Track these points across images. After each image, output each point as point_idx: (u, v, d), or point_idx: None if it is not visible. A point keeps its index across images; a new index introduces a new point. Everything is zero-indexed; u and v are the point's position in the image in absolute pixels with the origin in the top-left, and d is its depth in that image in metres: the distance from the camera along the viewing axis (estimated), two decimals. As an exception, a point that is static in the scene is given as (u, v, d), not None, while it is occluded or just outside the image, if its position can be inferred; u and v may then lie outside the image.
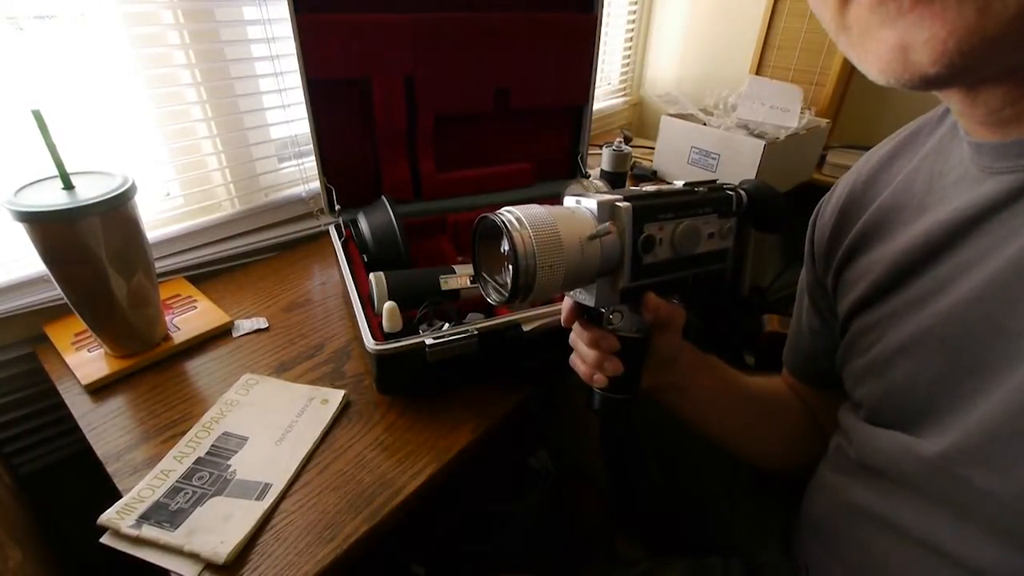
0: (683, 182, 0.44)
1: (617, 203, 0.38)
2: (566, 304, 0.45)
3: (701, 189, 0.43)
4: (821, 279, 0.48)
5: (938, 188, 0.37)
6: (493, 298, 0.39)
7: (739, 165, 1.15)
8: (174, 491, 0.52)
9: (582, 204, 0.40)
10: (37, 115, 0.54)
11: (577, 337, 0.46)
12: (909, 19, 0.24)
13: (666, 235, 0.40)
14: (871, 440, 0.40)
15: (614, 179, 1.06)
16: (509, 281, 0.36)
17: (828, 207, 0.47)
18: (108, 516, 0.49)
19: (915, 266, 0.37)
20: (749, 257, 1.56)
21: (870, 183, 0.43)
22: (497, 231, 0.36)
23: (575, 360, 0.47)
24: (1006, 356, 0.30)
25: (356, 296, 0.65)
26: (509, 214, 0.36)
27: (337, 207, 0.82)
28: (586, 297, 0.42)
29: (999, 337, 0.31)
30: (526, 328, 0.62)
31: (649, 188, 0.41)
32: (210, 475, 0.54)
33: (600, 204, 0.38)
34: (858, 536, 0.41)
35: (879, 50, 0.26)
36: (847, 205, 0.45)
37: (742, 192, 0.44)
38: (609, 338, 0.43)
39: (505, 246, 0.36)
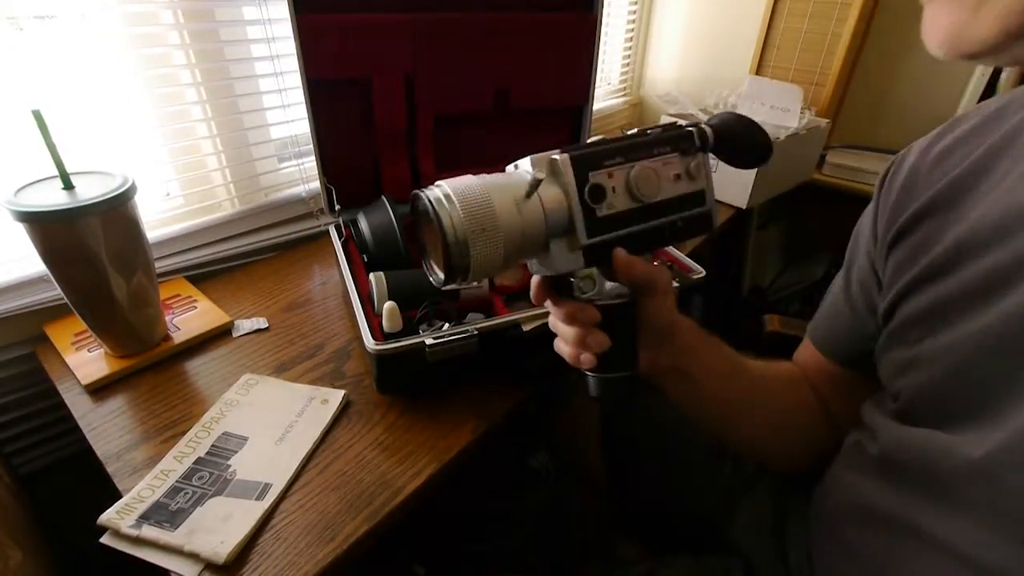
0: (635, 129, 0.40)
1: (552, 156, 0.35)
2: (533, 280, 0.40)
3: (655, 131, 0.39)
4: (878, 249, 0.43)
5: (1016, 156, 0.33)
6: (434, 279, 0.37)
7: (739, 165, 1.15)
8: (174, 491, 0.52)
9: (519, 167, 0.37)
10: (37, 115, 0.54)
11: (554, 317, 0.42)
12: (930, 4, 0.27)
13: (618, 183, 0.36)
14: (903, 438, 0.38)
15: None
16: (442, 264, 0.33)
17: (904, 165, 0.42)
18: (108, 516, 0.49)
19: (981, 248, 0.33)
20: (749, 257, 1.56)
21: (945, 154, 0.39)
22: (425, 209, 0.34)
23: (558, 344, 0.43)
24: None
25: (356, 296, 0.65)
26: (437, 189, 0.34)
27: (337, 207, 0.82)
28: (547, 266, 0.38)
29: None
30: (526, 328, 0.62)
31: (592, 139, 0.38)
32: (210, 475, 0.54)
33: (534, 160, 0.35)
34: (873, 538, 0.40)
35: (923, 25, 0.28)
36: (916, 170, 0.41)
37: (705, 127, 0.40)
38: (586, 309, 0.39)
39: (433, 227, 0.33)
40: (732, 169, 0.45)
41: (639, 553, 0.67)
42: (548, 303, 0.41)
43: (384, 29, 0.78)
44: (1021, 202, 0.31)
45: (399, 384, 0.64)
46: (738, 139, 0.41)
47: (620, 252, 0.37)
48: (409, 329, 0.63)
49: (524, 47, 0.88)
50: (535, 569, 0.70)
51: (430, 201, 0.33)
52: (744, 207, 1.18)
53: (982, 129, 0.38)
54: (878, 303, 0.43)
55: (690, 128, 0.39)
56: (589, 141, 0.37)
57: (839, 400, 0.51)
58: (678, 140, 0.39)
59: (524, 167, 0.36)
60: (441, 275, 0.36)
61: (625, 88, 1.75)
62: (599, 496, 0.75)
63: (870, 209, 0.45)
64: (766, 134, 0.42)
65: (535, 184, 0.34)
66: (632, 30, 1.65)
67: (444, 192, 0.33)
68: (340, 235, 0.79)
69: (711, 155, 0.41)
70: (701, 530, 0.62)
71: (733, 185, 1.18)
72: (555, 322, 0.42)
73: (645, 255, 0.38)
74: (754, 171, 1.13)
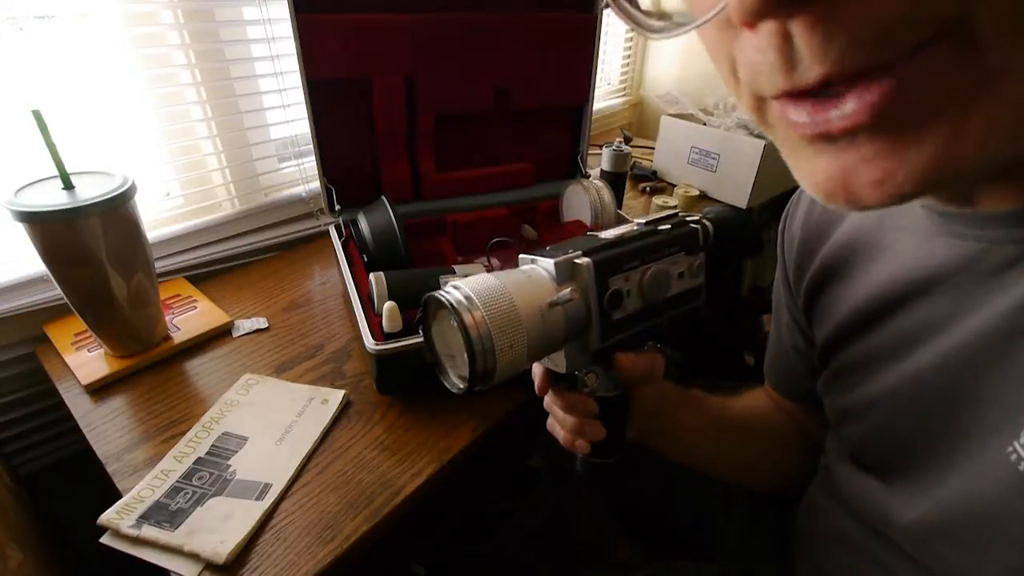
0: (643, 220, 0.41)
1: (576, 260, 0.35)
2: (537, 371, 0.41)
3: (665, 227, 0.40)
4: (795, 300, 0.46)
5: (889, 227, 0.36)
6: (454, 388, 0.35)
7: (739, 165, 1.15)
8: (174, 491, 0.52)
9: (538, 265, 0.36)
10: (37, 115, 0.54)
11: (552, 403, 0.43)
12: (850, 151, 0.19)
13: (633, 285, 0.37)
14: (854, 482, 0.39)
15: (614, 179, 1.06)
16: (467, 370, 0.32)
17: (794, 226, 0.45)
18: (108, 516, 0.49)
19: (878, 316, 0.36)
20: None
21: (826, 212, 0.41)
22: (445, 311, 0.33)
23: (552, 425, 0.44)
24: (978, 426, 0.29)
25: (356, 296, 0.65)
26: (457, 291, 0.32)
27: (337, 207, 0.82)
28: (556, 363, 0.38)
29: (970, 406, 0.30)
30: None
31: (608, 235, 0.38)
32: (210, 475, 0.54)
33: (558, 265, 0.35)
34: (846, 563, 0.41)
35: (814, 177, 0.21)
36: (807, 235, 0.43)
37: (707, 223, 0.41)
38: (587, 401, 0.40)
39: (457, 335, 0.32)
40: (732, 169, 0.46)
41: (638, 556, 0.67)
42: (550, 394, 0.42)
43: (384, 29, 0.78)
44: (896, 277, 0.34)
45: (399, 384, 0.64)
46: (736, 234, 0.44)
47: (625, 357, 0.38)
48: (409, 329, 0.63)
49: (524, 47, 0.88)
50: (535, 569, 0.70)
51: (452, 304, 0.31)
52: (744, 207, 1.18)
53: None
54: (813, 345, 0.45)
55: (695, 226, 0.41)
56: (604, 239, 0.37)
57: (811, 423, 0.52)
58: (685, 239, 0.40)
59: (545, 267, 0.36)
60: (461, 383, 0.34)
61: (625, 88, 1.76)
62: (599, 498, 0.75)
63: (779, 264, 0.48)
64: (760, 231, 0.44)
65: (566, 300, 0.34)
66: (632, 30, 1.65)
67: (464, 294, 0.32)
68: (340, 235, 0.79)
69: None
70: (701, 534, 0.62)
71: (733, 185, 1.18)
72: (551, 406, 0.43)
73: (641, 349, 0.40)
74: (754, 171, 1.13)
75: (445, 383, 0.36)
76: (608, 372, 0.39)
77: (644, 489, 0.68)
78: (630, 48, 1.68)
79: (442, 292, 0.33)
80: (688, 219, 0.41)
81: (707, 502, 0.62)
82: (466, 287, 0.33)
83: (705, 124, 1.26)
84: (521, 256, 0.38)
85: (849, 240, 0.39)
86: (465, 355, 0.31)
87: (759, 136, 1.15)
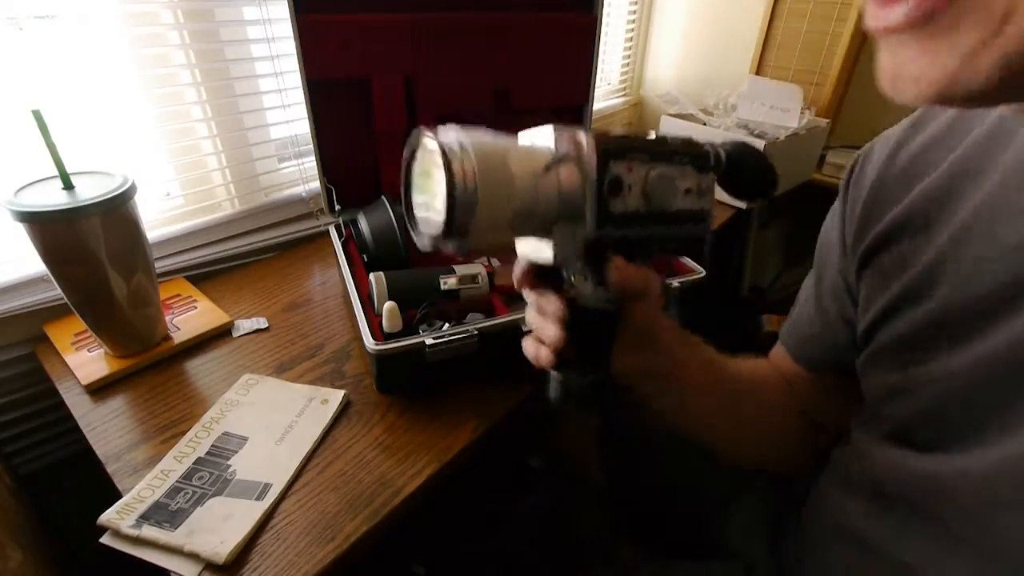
0: (654, 134, 0.38)
1: (579, 133, 0.33)
2: (520, 264, 0.38)
3: (675, 140, 0.37)
4: (849, 255, 0.42)
5: (993, 184, 0.32)
6: (423, 240, 0.33)
7: (739, 165, 1.15)
8: (174, 491, 0.52)
9: (537, 139, 0.34)
10: (37, 115, 0.54)
11: (530, 307, 0.39)
12: (902, 48, 0.20)
13: (636, 180, 0.34)
14: (895, 463, 0.37)
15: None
16: (442, 218, 0.29)
17: (867, 171, 0.40)
18: (108, 516, 0.49)
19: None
20: (749, 257, 1.56)
21: (912, 161, 0.38)
22: (432, 155, 0.30)
23: (526, 340, 0.39)
24: None
25: (356, 296, 0.65)
26: (452, 134, 0.30)
27: (337, 207, 0.82)
28: (543, 250, 0.35)
29: None
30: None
31: (617, 133, 0.35)
32: (210, 475, 0.54)
33: (558, 132, 0.32)
34: (861, 561, 0.39)
35: (879, 70, 0.22)
36: (883, 178, 0.39)
37: (720, 151, 0.38)
38: (553, 300, 0.36)
39: (440, 175, 0.29)
40: None
41: (639, 555, 0.67)
42: (529, 292, 0.39)
43: (384, 29, 0.78)
44: (997, 235, 0.31)
45: (399, 384, 0.64)
46: (748, 167, 0.40)
47: (620, 261, 0.35)
48: (409, 329, 0.63)
49: (524, 47, 0.88)
50: (535, 569, 0.70)
51: (442, 145, 0.29)
52: (744, 207, 1.18)
53: (949, 135, 0.37)
54: (855, 319, 0.42)
55: (708, 147, 0.38)
56: (614, 134, 0.35)
57: (818, 402, 0.50)
58: (697, 155, 0.37)
59: (545, 137, 0.34)
60: (430, 234, 0.31)
61: (625, 88, 1.75)
62: (599, 497, 0.75)
63: (835, 218, 0.44)
64: (774, 169, 0.41)
65: (559, 159, 0.32)
66: (632, 30, 1.65)
67: (460, 139, 0.29)
68: (340, 235, 0.79)
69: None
70: (701, 533, 0.62)
71: (733, 185, 1.18)
72: (529, 311, 0.39)
73: (638, 262, 0.37)
74: (754, 171, 1.12)
75: (414, 234, 0.33)
76: (598, 278, 0.36)
77: (644, 489, 0.68)
78: (630, 48, 1.68)
79: (434, 133, 0.30)
80: (701, 143, 0.39)
81: (707, 501, 0.62)
82: (463, 134, 0.30)
83: (705, 124, 1.26)
84: (520, 133, 0.36)
85: (939, 192, 0.35)
86: (444, 203, 0.29)
87: (759, 136, 1.15)
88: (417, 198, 0.33)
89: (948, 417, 0.34)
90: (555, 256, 0.34)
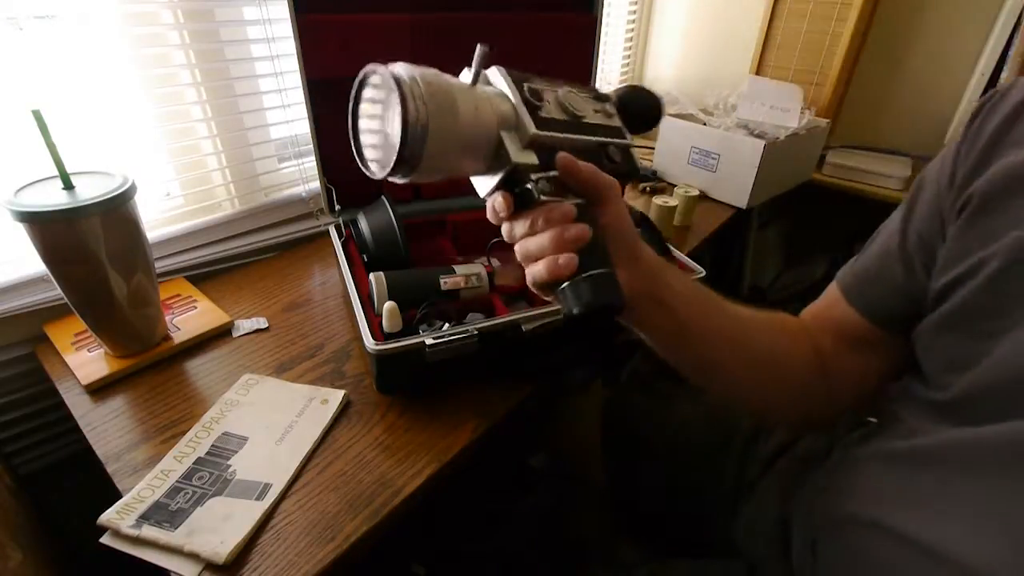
0: None
1: (490, 67, 0.38)
2: (497, 195, 0.38)
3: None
4: (951, 197, 0.39)
5: None
6: (372, 169, 0.35)
7: (739, 165, 1.15)
8: (174, 491, 0.52)
9: (463, 76, 0.38)
10: (37, 115, 0.54)
11: (523, 235, 0.38)
12: None
13: (550, 97, 0.39)
14: (944, 439, 0.35)
15: (614, 179, 1.06)
16: (396, 142, 0.31)
17: (993, 118, 0.37)
18: (108, 516, 0.49)
19: None
20: (749, 257, 1.56)
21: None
22: (384, 86, 0.33)
23: (533, 268, 0.37)
24: None
25: (356, 296, 0.65)
26: (401, 69, 0.32)
27: (337, 207, 0.82)
28: (500, 170, 0.37)
29: None
30: (526, 328, 0.62)
31: None
32: (210, 475, 0.54)
33: (475, 70, 0.37)
34: (890, 550, 0.37)
35: None
36: (1019, 113, 0.36)
37: (610, 94, 0.45)
38: (561, 205, 0.36)
39: (392, 105, 0.32)
40: (732, 169, 0.46)
41: (640, 555, 0.67)
42: (514, 224, 0.38)
43: (384, 29, 0.78)
44: None
45: (399, 384, 0.64)
46: (637, 101, 0.46)
47: (563, 155, 0.37)
48: (409, 329, 0.63)
49: (524, 47, 0.88)
50: (535, 569, 0.70)
51: (396, 78, 0.31)
52: (744, 207, 1.18)
53: None
54: (932, 267, 0.40)
55: (595, 85, 0.44)
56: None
57: (851, 363, 0.48)
58: (593, 89, 0.43)
59: (462, 75, 0.37)
60: (381, 164, 0.34)
61: (625, 88, 1.75)
62: (599, 497, 0.75)
63: (949, 152, 0.41)
64: (659, 100, 0.47)
65: (477, 73, 0.36)
66: (632, 30, 1.65)
67: (410, 73, 0.32)
68: (340, 235, 0.79)
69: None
70: (703, 532, 0.62)
71: (733, 185, 1.18)
72: (524, 241, 0.38)
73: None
74: (754, 171, 1.13)
75: (364, 168, 0.36)
76: (559, 181, 0.37)
77: (645, 488, 0.68)
78: (630, 48, 1.68)
79: (383, 66, 0.33)
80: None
81: (708, 500, 0.62)
82: (408, 66, 0.33)
83: (705, 124, 1.26)
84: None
85: None
86: (399, 128, 0.31)
87: (759, 136, 1.15)
88: (367, 137, 0.36)
89: (1014, 393, 0.32)
90: (513, 155, 0.36)
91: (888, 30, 1.34)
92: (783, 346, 0.48)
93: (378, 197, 0.80)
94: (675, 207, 1.08)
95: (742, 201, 1.18)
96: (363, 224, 0.77)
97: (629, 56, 1.70)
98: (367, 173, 0.36)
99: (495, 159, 0.37)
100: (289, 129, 0.96)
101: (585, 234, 0.36)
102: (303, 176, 1.00)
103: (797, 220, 1.66)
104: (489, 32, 0.84)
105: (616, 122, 0.43)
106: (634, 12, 1.62)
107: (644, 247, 0.41)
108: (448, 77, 0.35)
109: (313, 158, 0.80)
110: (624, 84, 0.46)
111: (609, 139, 0.42)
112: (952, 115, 1.27)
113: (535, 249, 0.37)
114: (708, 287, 0.46)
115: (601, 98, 0.43)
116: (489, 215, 0.39)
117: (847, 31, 1.26)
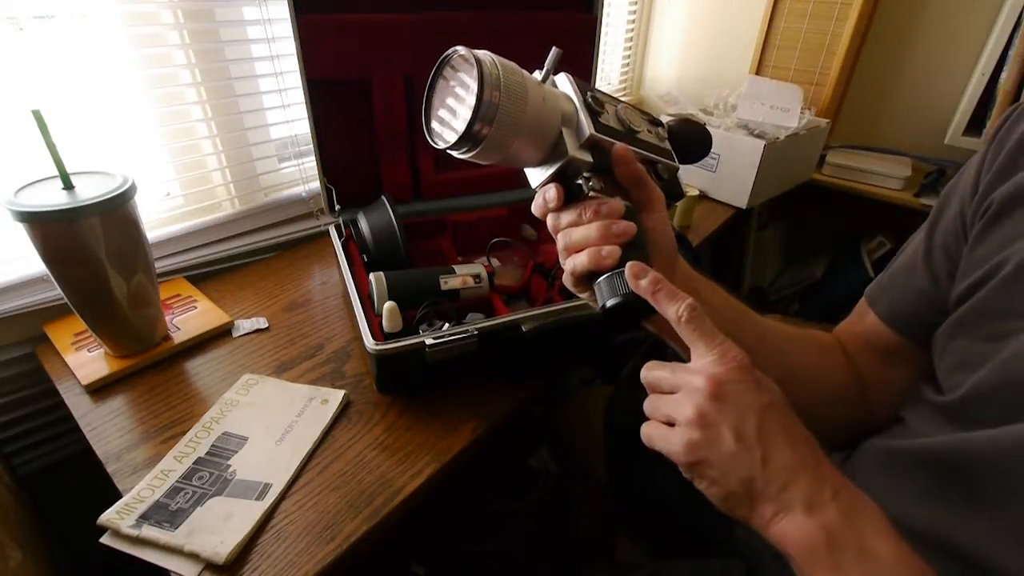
0: None
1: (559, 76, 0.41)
2: (550, 186, 0.39)
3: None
4: (975, 205, 0.39)
5: None
6: (445, 138, 0.37)
7: (739, 165, 1.15)
8: (174, 491, 0.52)
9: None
10: (37, 115, 0.54)
11: (568, 224, 0.39)
12: None
13: (610, 109, 0.41)
14: (944, 443, 0.36)
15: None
16: (469, 114, 0.34)
17: (1020, 125, 0.38)
18: (108, 516, 0.49)
19: None
20: (749, 257, 1.56)
21: None
22: (466, 65, 0.36)
23: (576, 258, 0.39)
24: None
25: (356, 296, 0.65)
26: (484, 54, 0.36)
27: (337, 207, 0.82)
28: (555, 162, 0.39)
29: None
30: (526, 328, 0.62)
31: None
32: (210, 475, 0.54)
33: (549, 61, 0.39)
34: None
35: None
36: (1020, 147, 0.37)
37: (664, 122, 0.47)
38: (610, 201, 0.38)
39: (470, 84, 0.35)
40: (732, 169, 0.46)
41: (641, 555, 0.67)
42: (560, 216, 0.40)
43: (384, 29, 0.78)
44: None
45: (399, 384, 0.64)
46: (686, 134, 0.47)
47: (621, 145, 0.39)
48: (409, 329, 0.63)
49: (524, 47, 0.88)
50: (536, 569, 0.70)
51: (479, 60, 0.34)
52: (744, 207, 1.18)
53: None
54: (955, 273, 0.41)
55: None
56: None
57: (887, 376, 0.48)
58: (646, 113, 0.45)
59: (533, 73, 0.40)
60: (454, 132, 0.36)
61: (625, 88, 1.75)
62: (600, 497, 0.75)
63: (974, 161, 0.42)
64: (708, 135, 0.48)
65: (548, 73, 0.39)
66: (632, 30, 1.65)
67: (491, 58, 0.35)
68: (340, 235, 0.79)
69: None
70: (703, 532, 0.62)
71: (733, 185, 1.18)
72: (569, 232, 0.39)
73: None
74: (754, 171, 1.13)
75: (435, 140, 0.38)
76: (611, 180, 0.40)
77: (645, 488, 0.68)
78: (630, 48, 1.68)
79: (466, 49, 0.36)
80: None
81: (709, 500, 0.62)
82: (487, 53, 0.36)
83: (705, 124, 1.26)
84: None
85: None
86: (473, 101, 0.34)
87: (759, 136, 1.15)
88: (441, 110, 0.38)
89: (1021, 394, 0.32)
90: (571, 149, 0.38)
91: (888, 30, 1.34)
92: (816, 359, 0.50)
93: (378, 197, 0.80)
94: (675, 207, 1.08)
95: (742, 201, 1.18)
96: (363, 224, 0.77)
97: (629, 56, 1.70)
98: (431, 143, 0.38)
99: (552, 152, 0.39)
100: (289, 129, 0.96)
101: (631, 229, 0.37)
102: (303, 176, 1.00)
103: (797, 220, 1.66)
104: (489, 32, 0.84)
105: (667, 145, 0.45)
106: (634, 12, 1.62)
107: (681, 259, 0.44)
108: (523, 71, 0.37)
109: (313, 158, 0.80)
110: (677, 116, 0.48)
111: (660, 158, 0.43)
112: (952, 115, 1.27)
113: (580, 239, 0.38)
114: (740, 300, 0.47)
115: (655, 122, 0.45)
116: (535, 206, 0.41)
117: (847, 31, 1.26)
